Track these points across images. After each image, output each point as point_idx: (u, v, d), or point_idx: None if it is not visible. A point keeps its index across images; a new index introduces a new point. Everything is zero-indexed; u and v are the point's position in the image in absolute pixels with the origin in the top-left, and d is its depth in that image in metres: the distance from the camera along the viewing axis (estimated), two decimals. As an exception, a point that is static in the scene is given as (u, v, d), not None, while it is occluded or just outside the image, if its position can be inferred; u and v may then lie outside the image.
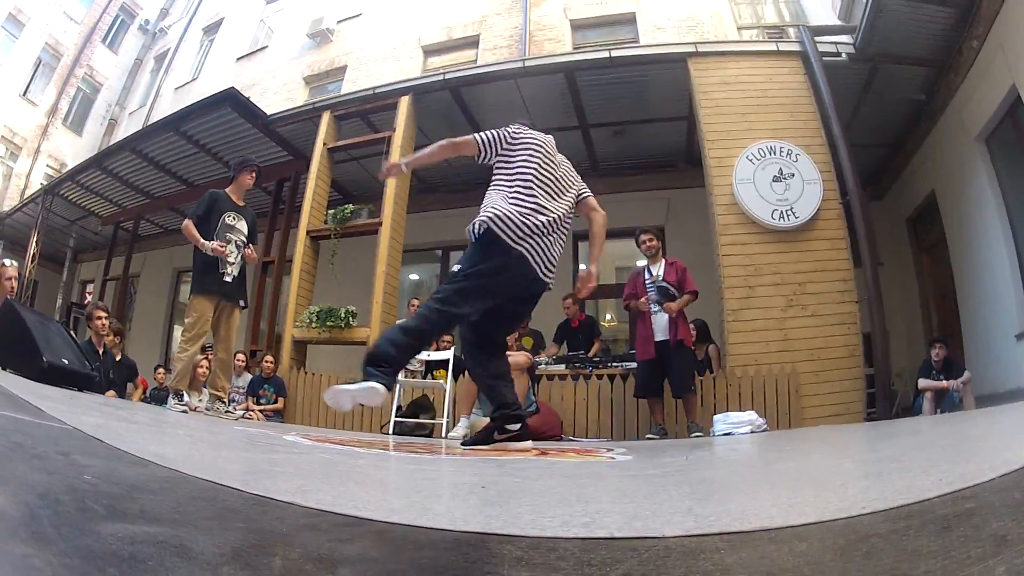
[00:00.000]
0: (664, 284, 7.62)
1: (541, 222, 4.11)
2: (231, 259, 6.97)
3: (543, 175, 4.28)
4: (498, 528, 1.30)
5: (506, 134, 4.41)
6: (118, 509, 1.18)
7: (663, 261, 7.91)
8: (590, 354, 9.35)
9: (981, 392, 8.70)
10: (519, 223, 4.04)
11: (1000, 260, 9.10)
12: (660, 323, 7.62)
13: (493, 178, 4.38)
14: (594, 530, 1.28)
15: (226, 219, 7.03)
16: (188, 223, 6.87)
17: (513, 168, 4.29)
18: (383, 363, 3.82)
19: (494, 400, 4.49)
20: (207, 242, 6.71)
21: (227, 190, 7.27)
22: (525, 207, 4.11)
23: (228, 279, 6.95)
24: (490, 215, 4.05)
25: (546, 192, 4.24)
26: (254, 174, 7.44)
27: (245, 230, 7.22)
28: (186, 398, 7.04)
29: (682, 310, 7.65)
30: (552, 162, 4.40)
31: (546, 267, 4.19)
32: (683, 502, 1.77)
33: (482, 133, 4.45)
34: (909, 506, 1.34)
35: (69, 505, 1.11)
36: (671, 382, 7.64)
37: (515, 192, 4.17)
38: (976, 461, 2.14)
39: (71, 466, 1.52)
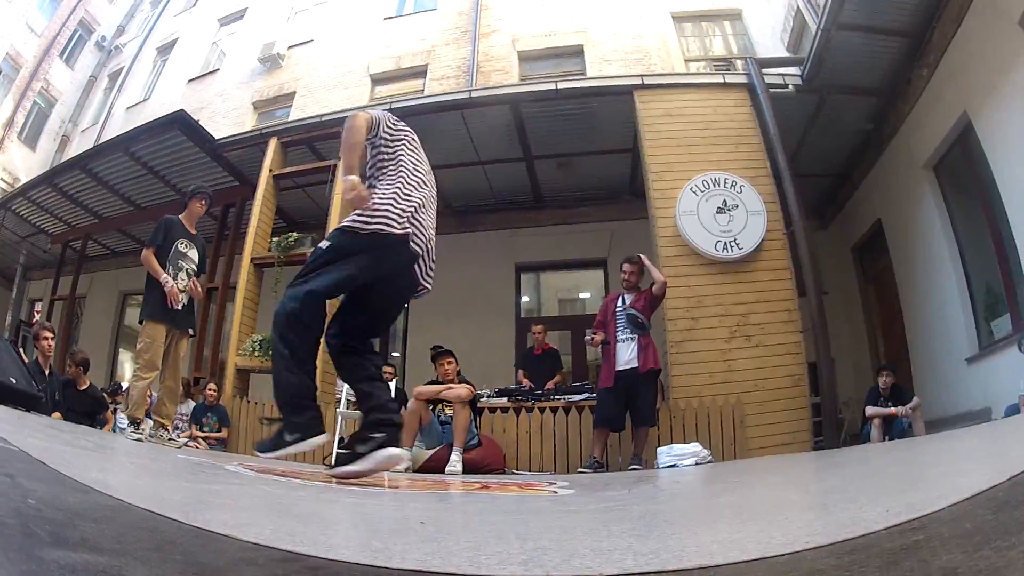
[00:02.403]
0: (632, 312, 7.58)
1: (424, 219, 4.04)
2: (181, 286, 6.94)
3: (420, 169, 4.20)
4: (435, 566, 1.28)
5: (388, 117, 4.26)
6: (61, 536, 1.20)
7: (636, 292, 7.86)
8: (549, 387, 9.39)
9: (932, 416, 8.83)
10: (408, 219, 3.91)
11: (949, 285, 9.30)
12: (625, 352, 7.55)
13: (377, 171, 4.16)
14: (532, 568, 1.29)
15: (179, 246, 7.04)
16: (148, 253, 6.83)
17: (397, 162, 4.13)
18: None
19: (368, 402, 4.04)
20: (167, 279, 6.70)
21: (180, 216, 7.25)
22: (411, 203, 3.97)
23: (179, 307, 6.92)
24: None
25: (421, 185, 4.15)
26: (204, 202, 7.42)
27: (196, 258, 7.23)
28: (142, 426, 6.93)
29: (652, 340, 7.61)
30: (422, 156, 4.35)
31: (427, 270, 4.12)
32: (623, 539, 1.76)
33: (371, 111, 4.26)
34: (854, 540, 1.33)
35: (14, 529, 1.14)
36: (636, 411, 7.50)
37: (402, 187, 4.01)
38: (925, 489, 2.18)
39: (16, 489, 1.53)
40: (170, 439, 7.11)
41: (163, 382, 7.11)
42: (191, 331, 7.27)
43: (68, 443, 3.42)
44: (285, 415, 3.75)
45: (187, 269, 7.05)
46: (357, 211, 3.81)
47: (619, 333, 7.65)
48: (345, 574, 1.23)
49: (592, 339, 7.85)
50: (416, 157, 4.21)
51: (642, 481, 4.85)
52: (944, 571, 1.08)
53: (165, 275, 6.70)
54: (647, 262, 7.88)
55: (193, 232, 7.28)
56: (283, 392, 3.72)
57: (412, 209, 3.91)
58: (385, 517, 2.46)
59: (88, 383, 8.96)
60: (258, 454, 3.83)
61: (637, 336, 7.52)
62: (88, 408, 8.92)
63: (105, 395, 9.87)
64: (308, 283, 3.76)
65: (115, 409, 10.29)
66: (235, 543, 1.36)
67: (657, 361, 7.57)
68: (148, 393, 7.35)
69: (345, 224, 3.84)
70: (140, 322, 6.99)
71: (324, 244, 3.90)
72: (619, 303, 7.80)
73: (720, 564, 1.22)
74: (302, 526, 1.86)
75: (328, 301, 3.92)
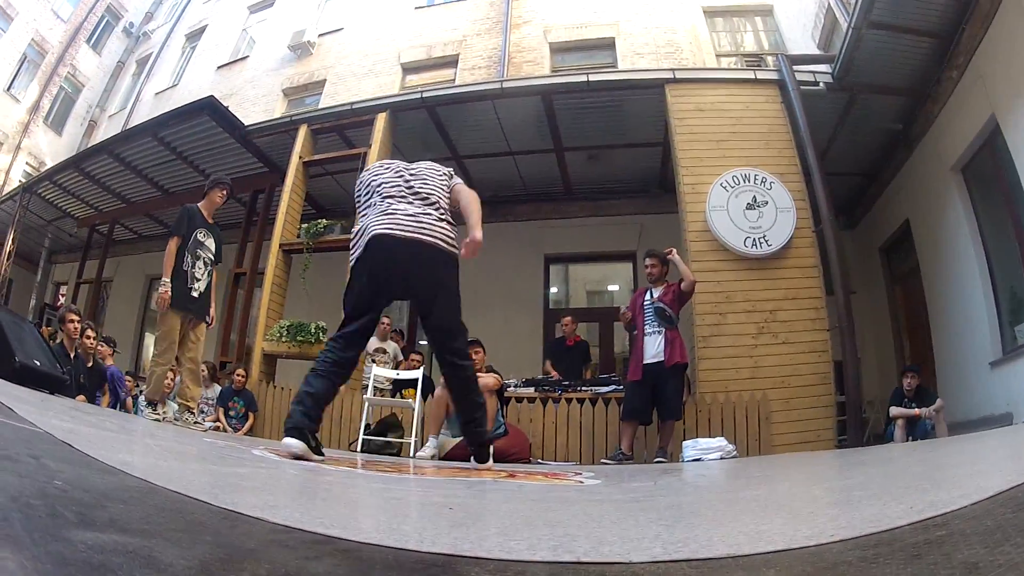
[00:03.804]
0: (660, 305, 7.57)
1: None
2: (198, 274, 7.07)
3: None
4: (466, 550, 1.28)
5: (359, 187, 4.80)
6: (88, 517, 1.17)
7: (664, 285, 7.82)
8: (587, 376, 9.49)
9: (954, 420, 8.76)
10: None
11: (974, 289, 9.18)
12: (652, 345, 7.55)
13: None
14: (561, 554, 1.27)
15: (198, 235, 7.14)
16: (173, 244, 6.96)
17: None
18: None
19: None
20: (167, 285, 6.81)
21: (199, 205, 7.34)
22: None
23: (195, 294, 7.06)
24: None
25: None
26: (225, 192, 7.49)
27: (213, 247, 7.33)
28: (160, 408, 7.13)
29: (679, 334, 7.58)
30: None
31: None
32: (650, 528, 1.76)
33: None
34: (879, 534, 1.34)
35: (40, 510, 1.11)
36: (662, 405, 7.50)
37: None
38: (947, 488, 2.14)
39: (42, 470, 1.51)
40: (196, 422, 7.26)
41: (184, 365, 7.27)
42: (208, 319, 7.32)
43: (93, 425, 3.40)
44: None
45: (204, 258, 7.18)
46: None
47: (647, 327, 7.63)
48: (376, 557, 1.23)
49: (624, 313, 7.92)
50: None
51: (667, 474, 4.84)
52: (966, 565, 1.09)
53: (167, 280, 6.81)
54: (677, 259, 7.81)
55: (211, 221, 7.40)
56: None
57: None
58: (413, 502, 2.46)
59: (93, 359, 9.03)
60: None
61: (664, 330, 7.49)
62: (96, 383, 9.01)
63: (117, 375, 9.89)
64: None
65: (139, 392, 10.41)
66: (265, 525, 1.37)
67: (684, 355, 7.54)
68: (168, 378, 7.45)
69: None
70: (149, 309, 7.17)
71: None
72: (647, 297, 7.79)
73: (747, 554, 1.24)
74: (331, 509, 1.88)
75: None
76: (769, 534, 1.52)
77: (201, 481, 2.13)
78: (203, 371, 9.79)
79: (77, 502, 1.25)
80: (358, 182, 4.76)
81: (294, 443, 3.81)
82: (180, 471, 2.32)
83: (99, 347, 9.01)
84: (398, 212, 4.34)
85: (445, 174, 4.76)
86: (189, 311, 7.03)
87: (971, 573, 1.04)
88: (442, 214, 4.47)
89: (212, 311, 7.37)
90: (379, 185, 4.52)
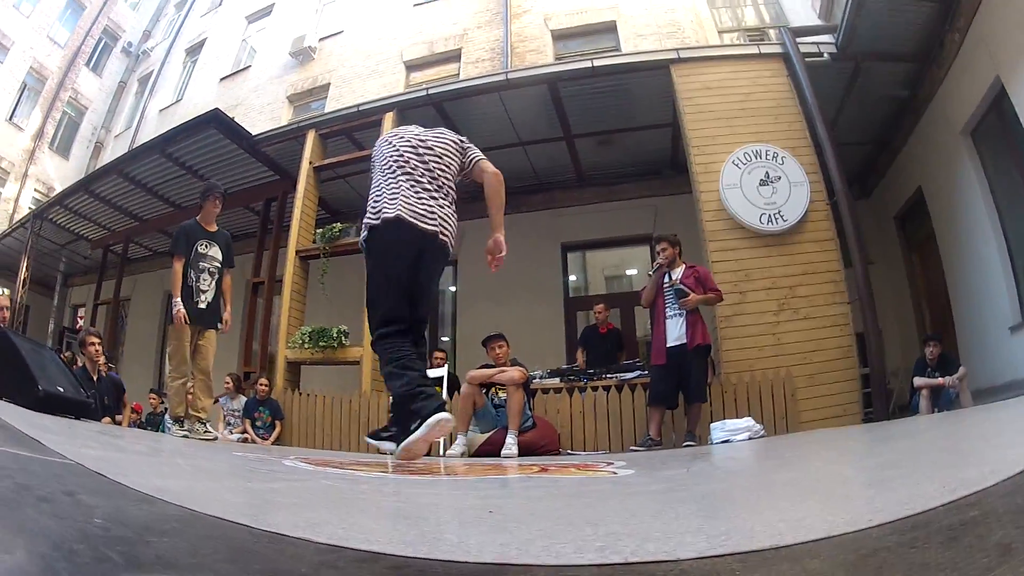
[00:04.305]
0: (680, 287, 7.53)
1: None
2: (203, 286, 7.22)
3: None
4: (513, 557, 1.27)
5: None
6: (134, 556, 1.14)
7: (683, 266, 7.79)
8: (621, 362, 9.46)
9: (977, 386, 8.72)
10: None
11: (990, 253, 9.14)
12: (674, 328, 7.52)
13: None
14: (608, 555, 1.25)
15: (198, 248, 7.27)
16: (177, 264, 7.10)
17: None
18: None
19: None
20: (179, 304, 6.97)
21: (197, 219, 7.48)
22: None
23: (202, 306, 7.21)
24: None
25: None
26: (218, 200, 7.58)
27: (219, 255, 7.45)
28: (186, 424, 7.25)
29: (701, 315, 7.58)
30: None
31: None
32: (692, 520, 1.76)
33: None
34: (915, 516, 1.33)
35: (85, 555, 1.06)
36: (687, 388, 7.48)
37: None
38: (977, 464, 2.11)
39: (79, 508, 1.47)
40: (206, 431, 7.35)
41: (195, 376, 7.38)
42: (219, 327, 7.44)
43: (121, 449, 3.36)
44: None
45: (209, 269, 7.29)
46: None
47: (668, 309, 7.59)
48: (427, 571, 1.21)
49: (660, 266, 7.85)
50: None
51: (698, 459, 4.80)
52: (1000, 547, 1.08)
53: (177, 299, 6.98)
54: (694, 300, 7.54)
55: (213, 229, 7.50)
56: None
57: None
58: (450, 506, 2.42)
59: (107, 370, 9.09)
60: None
61: (685, 312, 7.49)
62: (115, 397, 9.07)
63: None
64: None
65: (165, 410, 10.52)
66: (311, 546, 1.34)
67: (706, 337, 7.52)
68: (186, 391, 7.57)
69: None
70: (169, 323, 7.27)
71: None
72: (666, 279, 7.76)
73: (790, 544, 1.22)
74: (372, 522, 1.86)
75: None
76: (808, 521, 1.51)
77: (238, 502, 2.12)
78: (227, 384, 9.90)
79: (120, 540, 1.22)
80: (374, 150, 4.73)
81: (448, 416, 3.91)
82: (216, 492, 2.30)
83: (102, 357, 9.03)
84: (419, 200, 4.33)
85: (458, 149, 4.73)
86: (197, 324, 7.17)
87: (1005, 555, 1.03)
88: (452, 200, 4.52)
89: (226, 315, 7.50)
90: (399, 155, 4.49)
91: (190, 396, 8.35)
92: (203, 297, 7.17)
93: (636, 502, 2.40)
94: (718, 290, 7.74)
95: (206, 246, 7.31)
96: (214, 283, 7.32)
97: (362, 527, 1.69)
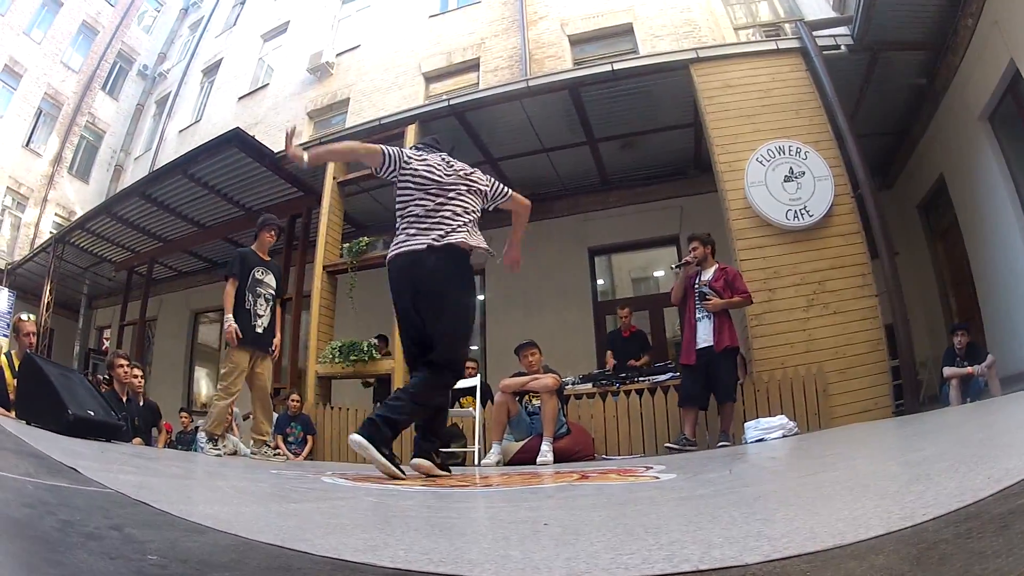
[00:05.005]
0: (704, 289, 7.54)
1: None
2: (260, 311, 7.41)
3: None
4: (583, 572, 1.25)
5: (402, 156, 4.61)
6: None
7: (715, 266, 7.77)
8: (631, 364, 9.47)
9: (1006, 373, 8.67)
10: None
11: (1014, 239, 9.07)
12: (703, 330, 7.52)
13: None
14: (678, 564, 1.24)
15: (256, 274, 7.47)
16: (230, 286, 7.27)
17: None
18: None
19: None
20: (230, 320, 7.14)
21: (252, 247, 7.69)
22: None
23: (260, 330, 7.39)
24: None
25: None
26: (275, 232, 7.81)
27: (273, 283, 7.65)
28: (220, 443, 7.43)
29: (729, 317, 7.55)
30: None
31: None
32: (750, 524, 1.74)
33: (389, 147, 4.63)
34: (967, 508, 1.36)
35: None
36: (717, 389, 7.49)
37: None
38: (1019, 455, 2.14)
39: (129, 544, 1.46)
40: (275, 454, 7.64)
41: (254, 401, 7.60)
42: (272, 351, 7.63)
43: (159, 473, 3.37)
44: None
45: (264, 295, 7.49)
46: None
47: (698, 311, 7.60)
48: None
49: (686, 263, 7.87)
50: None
51: (737, 459, 4.77)
52: None
53: (229, 316, 7.15)
54: (718, 305, 7.54)
55: (267, 259, 7.72)
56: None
57: None
58: (504, 520, 2.37)
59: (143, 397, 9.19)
60: None
61: (713, 315, 7.46)
62: (151, 422, 9.14)
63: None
64: None
65: (196, 428, 10.62)
66: (375, 570, 1.31)
67: (734, 339, 7.49)
68: (229, 413, 7.68)
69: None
70: (224, 346, 7.41)
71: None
72: (696, 280, 7.76)
73: (852, 542, 1.23)
74: (429, 541, 1.80)
75: None
76: (865, 518, 1.51)
77: (289, 525, 2.07)
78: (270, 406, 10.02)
79: (181, 579, 1.18)
80: (401, 160, 4.59)
81: (353, 438, 4.13)
82: (265, 517, 2.24)
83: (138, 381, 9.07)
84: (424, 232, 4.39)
85: (481, 191, 4.69)
86: (256, 347, 7.36)
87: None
88: (464, 211, 4.53)
89: (276, 341, 7.66)
90: (425, 186, 4.49)
91: (230, 417, 8.53)
92: (260, 322, 7.36)
93: (689, 507, 2.40)
94: (747, 292, 7.69)
95: (263, 273, 7.52)
96: (269, 309, 7.52)
97: (421, 547, 1.66)
